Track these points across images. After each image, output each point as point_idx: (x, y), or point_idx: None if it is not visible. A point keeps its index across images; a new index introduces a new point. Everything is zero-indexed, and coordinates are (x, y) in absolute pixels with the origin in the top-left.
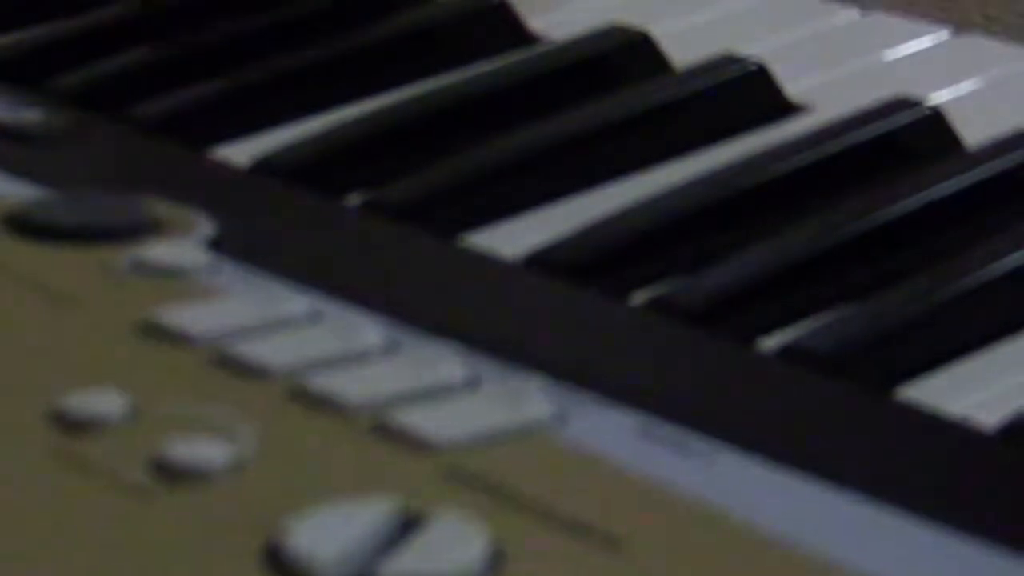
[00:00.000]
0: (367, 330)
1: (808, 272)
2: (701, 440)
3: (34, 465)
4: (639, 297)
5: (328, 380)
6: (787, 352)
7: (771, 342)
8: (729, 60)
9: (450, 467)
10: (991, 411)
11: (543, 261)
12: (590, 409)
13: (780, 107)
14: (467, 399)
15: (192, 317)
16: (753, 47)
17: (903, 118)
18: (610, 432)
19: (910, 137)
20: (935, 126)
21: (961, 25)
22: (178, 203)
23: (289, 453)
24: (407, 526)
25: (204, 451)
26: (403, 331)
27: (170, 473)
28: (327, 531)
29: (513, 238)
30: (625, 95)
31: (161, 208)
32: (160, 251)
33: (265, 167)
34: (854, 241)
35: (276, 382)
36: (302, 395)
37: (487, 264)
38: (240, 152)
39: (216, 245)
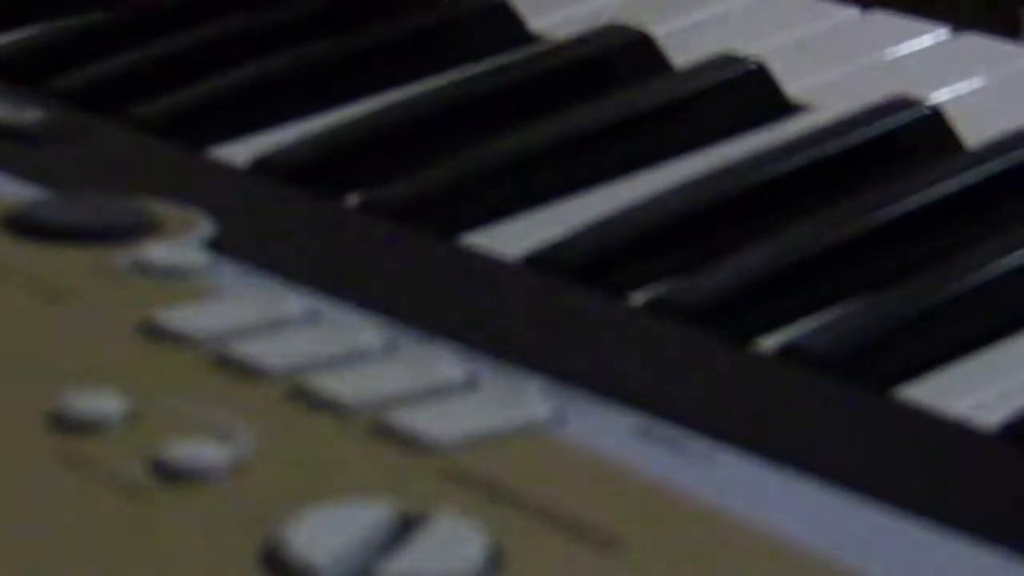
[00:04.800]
0: (366, 330)
1: (808, 272)
2: (699, 440)
3: (33, 465)
4: (638, 297)
5: (327, 380)
6: (786, 352)
7: (770, 342)
8: (729, 59)
9: (449, 467)
10: (991, 411)
11: (542, 261)
12: (588, 409)
13: (780, 107)
14: (466, 399)
15: (191, 317)
16: (753, 46)
17: (903, 118)
18: (608, 432)
19: (910, 137)
20: (935, 126)
21: None
22: (177, 203)
23: (288, 453)
24: (406, 526)
25: (203, 451)
26: (402, 331)
27: (169, 473)
28: (326, 531)
29: (512, 238)
30: (625, 95)
31: (160, 208)
32: (159, 251)
33: (264, 167)
34: (854, 241)
35: (275, 382)
36: (301, 395)
37: (486, 264)
38: (239, 152)
39: (215, 245)
